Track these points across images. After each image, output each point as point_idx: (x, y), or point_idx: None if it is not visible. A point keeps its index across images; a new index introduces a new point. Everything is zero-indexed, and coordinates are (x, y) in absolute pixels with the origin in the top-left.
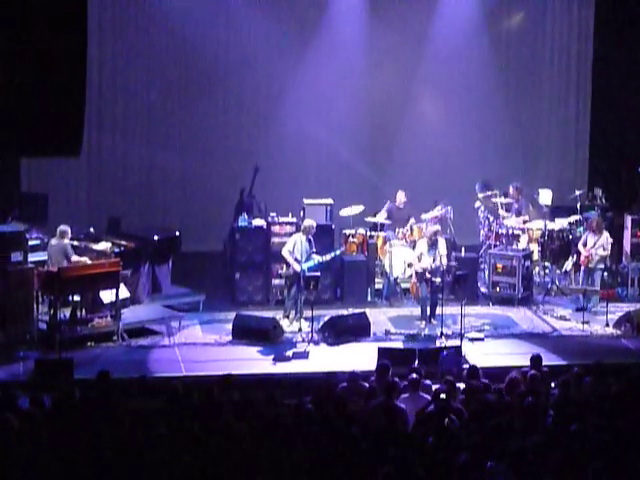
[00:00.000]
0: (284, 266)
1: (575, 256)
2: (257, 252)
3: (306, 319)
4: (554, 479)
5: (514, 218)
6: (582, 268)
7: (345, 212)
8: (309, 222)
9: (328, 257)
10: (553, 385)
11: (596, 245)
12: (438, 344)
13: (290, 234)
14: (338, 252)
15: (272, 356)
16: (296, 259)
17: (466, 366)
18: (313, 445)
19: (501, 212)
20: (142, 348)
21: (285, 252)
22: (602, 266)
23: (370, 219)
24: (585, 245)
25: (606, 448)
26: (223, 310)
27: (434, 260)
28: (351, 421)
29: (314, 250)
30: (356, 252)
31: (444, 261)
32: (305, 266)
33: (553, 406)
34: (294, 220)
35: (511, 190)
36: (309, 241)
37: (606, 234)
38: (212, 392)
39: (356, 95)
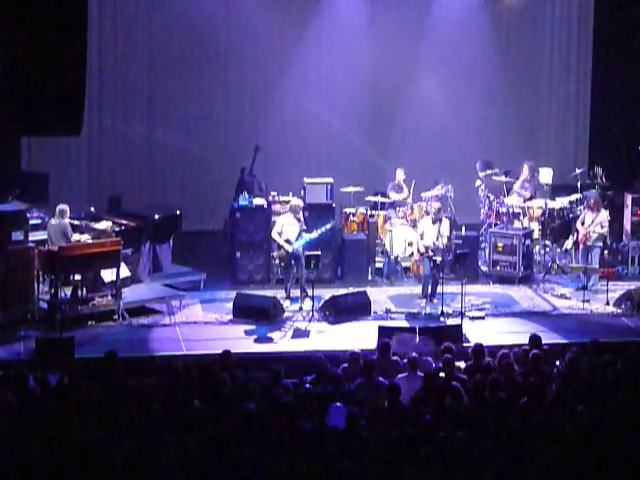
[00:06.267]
0: (277, 248)
1: (574, 234)
2: (258, 231)
3: (310, 297)
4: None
5: (516, 196)
6: (580, 246)
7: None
8: (295, 201)
9: (319, 232)
10: (558, 363)
11: (594, 223)
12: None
13: (284, 213)
14: (329, 226)
15: (273, 335)
16: (287, 240)
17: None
18: (313, 424)
19: (510, 198)
20: (143, 327)
21: (274, 235)
22: (600, 244)
23: (371, 198)
24: (583, 223)
25: (606, 426)
26: (224, 289)
27: (437, 238)
28: (351, 400)
29: (304, 228)
30: (357, 231)
31: (445, 241)
32: (297, 245)
33: (556, 385)
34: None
35: (525, 169)
36: (298, 220)
37: (604, 212)
38: (212, 370)
39: (357, 74)
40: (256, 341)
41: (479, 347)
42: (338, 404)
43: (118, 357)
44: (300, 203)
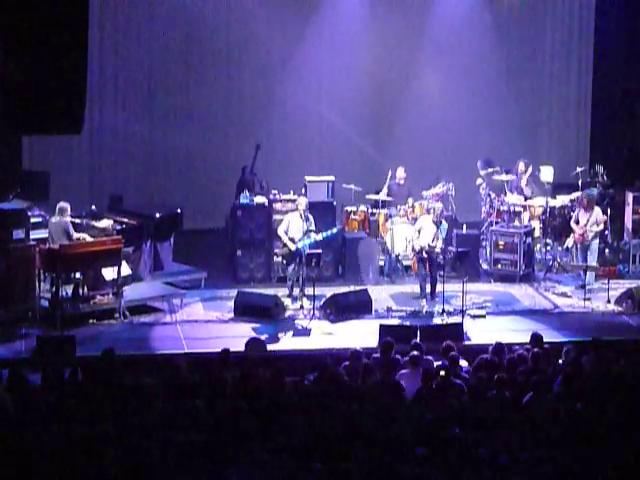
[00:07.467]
0: (281, 245)
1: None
2: (259, 229)
3: (308, 297)
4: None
5: (516, 195)
6: (578, 245)
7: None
8: (301, 199)
9: (324, 235)
10: (561, 362)
11: (589, 222)
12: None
13: (292, 211)
14: (335, 230)
15: (274, 333)
16: (292, 238)
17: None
18: (314, 422)
19: (511, 196)
20: (144, 325)
21: (280, 232)
22: (597, 241)
23: (372, 196)
24: (577, 223)
25: (608, 425)
26: (225, 287)
27: (433, 240)
28: (352, 398)
29: (312, 228)
30: (358, 229)
31: (440, 244)
32: (300, 244)
33: (558, 383)
34: (295, 197)
35: (521, 166)
36: (307, 219)
37: (597, 209)
38: (213, 369)
39: (358, 72)
40: None
41: (499, 346)
42: None
43: (115, 355)
44: (301, 201)
